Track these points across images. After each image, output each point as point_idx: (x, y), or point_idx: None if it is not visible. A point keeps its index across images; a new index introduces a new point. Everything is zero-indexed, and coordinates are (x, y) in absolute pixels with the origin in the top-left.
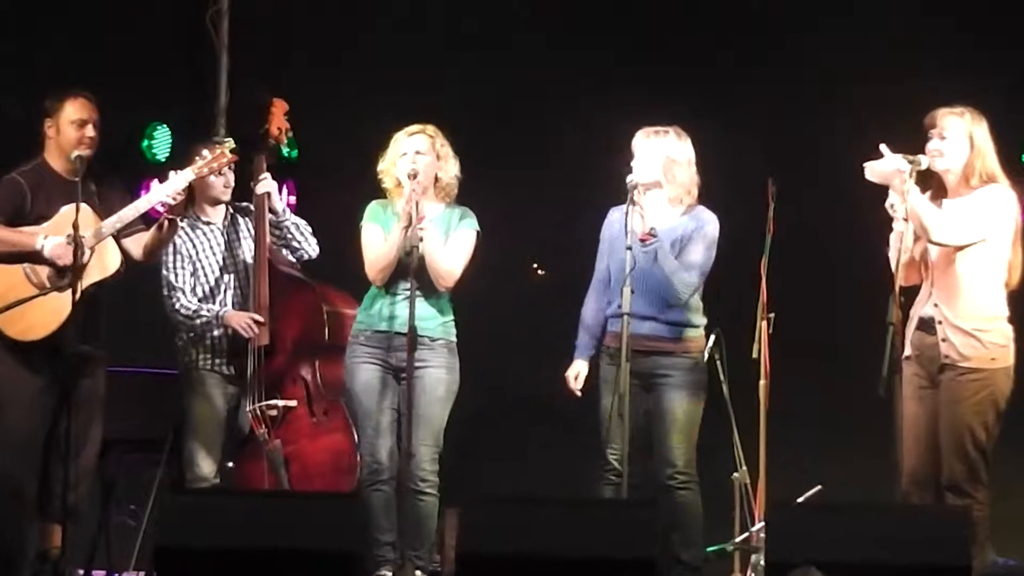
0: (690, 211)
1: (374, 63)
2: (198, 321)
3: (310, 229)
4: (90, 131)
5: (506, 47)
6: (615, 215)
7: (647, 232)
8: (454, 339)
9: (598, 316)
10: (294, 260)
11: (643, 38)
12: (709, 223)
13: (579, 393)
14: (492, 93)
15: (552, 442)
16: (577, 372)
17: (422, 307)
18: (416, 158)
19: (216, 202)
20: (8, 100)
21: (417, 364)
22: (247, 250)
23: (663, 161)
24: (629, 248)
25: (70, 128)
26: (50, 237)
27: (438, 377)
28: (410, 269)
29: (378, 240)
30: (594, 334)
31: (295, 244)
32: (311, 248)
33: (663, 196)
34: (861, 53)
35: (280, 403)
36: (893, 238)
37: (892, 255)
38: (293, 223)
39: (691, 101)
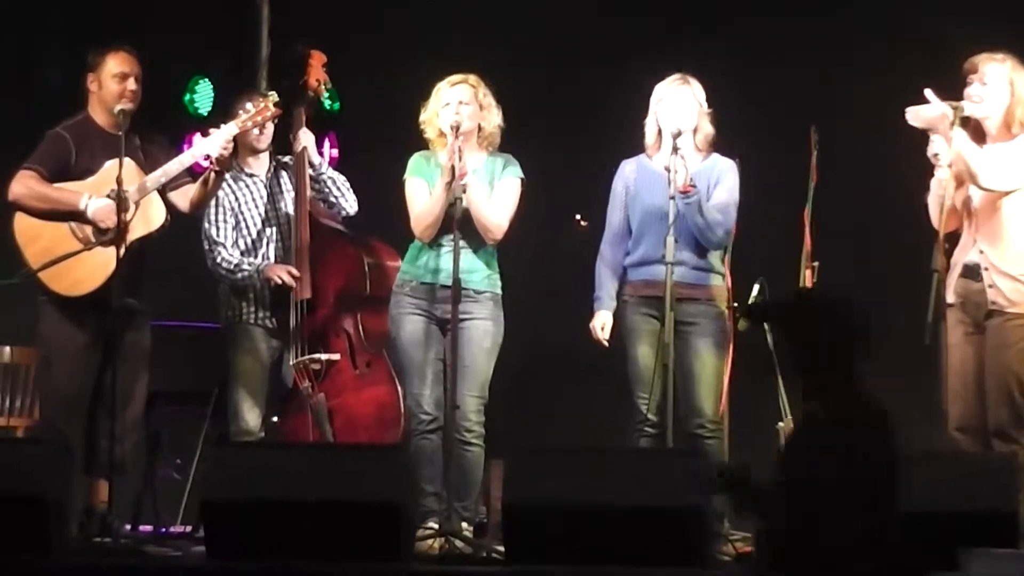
0: (708, 156)
1: (417, 15)
2: (239, 275)
3: (348, 185)
4: (132, 84)
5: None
6: (629, 167)
7: (688, 184)
8: (499, 291)
9: (616, 268)
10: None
11: None
12: (731, 167)
13: (606, 343)
14: (533, 44)
15: (595, 393)
16: (603, 323)
17: (468, 260)
18: (460, 108)
19: (254, 151)
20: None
21: (463, 316)
22: (290, 203)
23: (697, 109)
24: (673, 198)
25: (112, 82)
26: (94, 198)
27: (484, 329)
28: (454, 221)
29: (423, 196)
30: (615, 285)
31: (332, 199)
32: (349, 204)
33: (691, 143)
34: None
35: (323, 357)
36: (934, 184)
37: (933, 202)
38: (330, 177)
39: (732, 51)
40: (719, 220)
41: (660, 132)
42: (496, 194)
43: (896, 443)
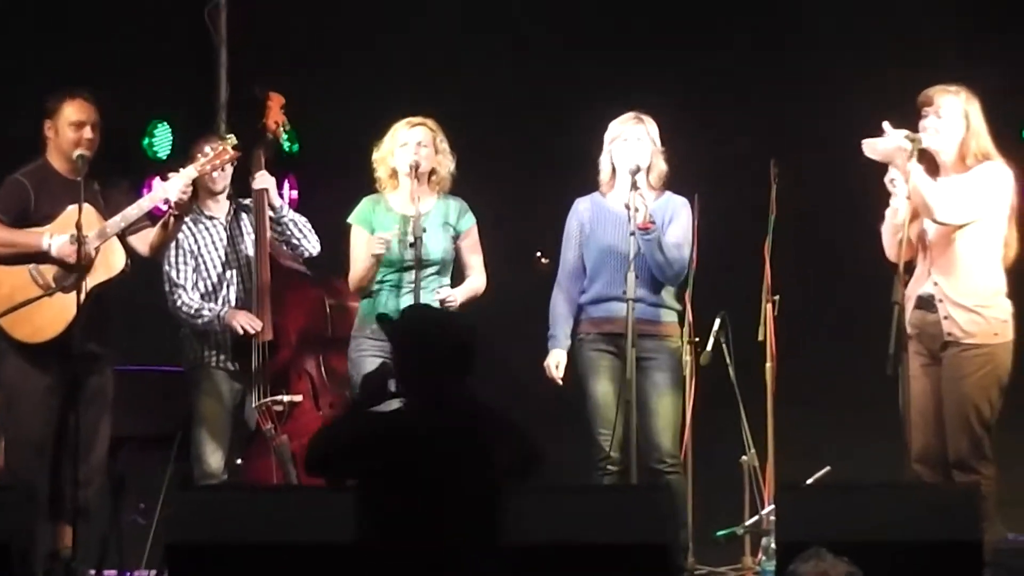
0: (661, 195)
1: (375, 56)
2: (199, 320)
3: (309, 226)
4: (88, 132)
5: (504, 39)
6: (583, 204)
7: (648, 221)
8: None
9: (572, 306)
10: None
11: (642, 23)
12: (684, 204)
13: (560, 381)
14: (492, 84)
15: (558, 431)
16: (558, 361)
17: (431, 298)
18: (418, 150)
19: (211, 193)
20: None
21: None
22: (250, 245)
23: (651, 148)
24: (633, 234)
25: (68, 129)
26: (56, 236)
27: None
28: (417, 261)
29: (360, 246)
30: (570, 324)
31: (295, 241)
32: (311, 245)
33: (645, 182)
34: (862, 34)
35: (285, 398)
36: (888, 214)
37: (887, 231)
38: (292, 219)
39: (692, 85)
40: (676, 256)
41: (614, 170)
42: (467, 251)
43: (488, 464)
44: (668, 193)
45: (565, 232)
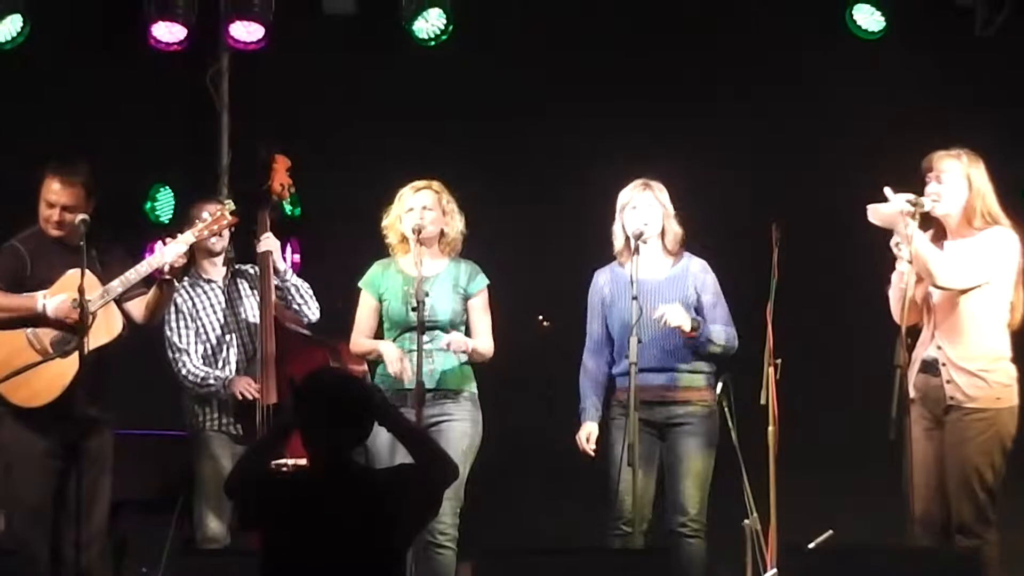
0: (679, 259)
1: (376, 119)
2: (205, 390)
3: (311, 292)
4: (56, 215)
5: (505, 102)
6: (602, 277)
7: (693, 328)
8: (476, 391)
9: (601, 378)
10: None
11: (642, 87)
12: (705, 268)
13: (593, 454)
14: (493, 147)
15: (561, 493)
16: (588, 433)
17: (445, 361)
18: (423, 214)
19: (210, 254)
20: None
21: (443, 418)
22: (249, 308)
23: (662, 212)
24: (635, 298)
25: (43, 204)
26: (50, 297)
27: (463, 430)
28: (420, 325)
29: (366, 312)
30: (600, 395)
31: (295, 306)
32: (312, 311)
33: (659, 246)
34: (863, 95)
35: (290, 461)
36: (895, 278)
37: (894, 295)
38: (294, 284)
39: (694, 148)
40: (729, 338)
41: (628, 239)
42: (475, 314)
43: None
44: (686, 257)
45: (588, 305)
